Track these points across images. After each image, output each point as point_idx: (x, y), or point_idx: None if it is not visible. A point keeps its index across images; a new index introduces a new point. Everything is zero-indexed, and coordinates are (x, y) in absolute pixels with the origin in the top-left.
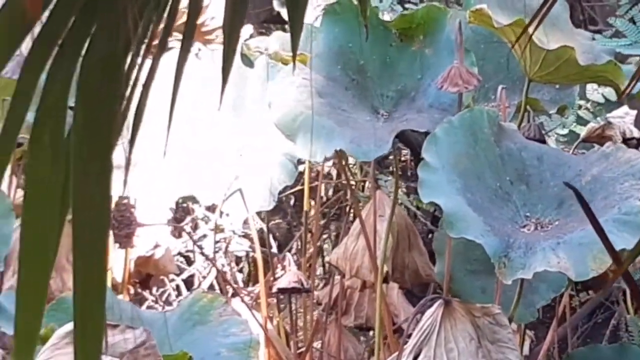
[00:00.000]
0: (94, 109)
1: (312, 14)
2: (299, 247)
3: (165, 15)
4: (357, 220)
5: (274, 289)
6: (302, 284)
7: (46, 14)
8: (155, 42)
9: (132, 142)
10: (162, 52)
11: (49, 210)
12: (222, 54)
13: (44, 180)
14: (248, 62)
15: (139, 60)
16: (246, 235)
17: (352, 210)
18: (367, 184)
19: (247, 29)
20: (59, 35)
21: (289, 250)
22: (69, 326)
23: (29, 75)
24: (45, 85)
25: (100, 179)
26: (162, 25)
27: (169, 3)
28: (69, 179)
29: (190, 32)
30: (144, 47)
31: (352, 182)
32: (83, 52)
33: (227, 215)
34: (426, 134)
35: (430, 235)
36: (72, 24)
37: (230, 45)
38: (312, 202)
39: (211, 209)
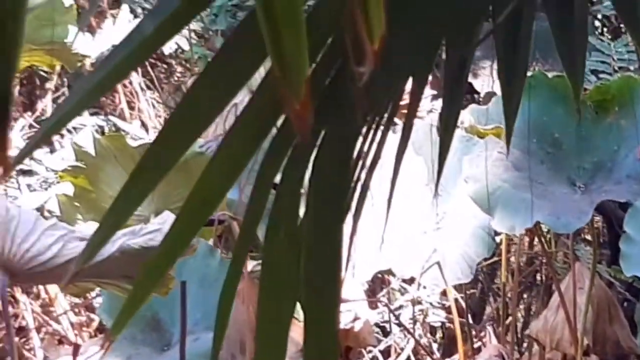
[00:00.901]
0: (325, 201)
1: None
2: (493, 316)
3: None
4: (556, 293)
5: None
6: (503, 358)
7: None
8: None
9: (356, 217)
10: (386, 135)
11: (284, 294)
12: (439, 142)
13: (279, 266)
14: None
15: (366, 145)
16: (442, 306)
17: (548, 281)
18: (559, 253)
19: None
20: (293, 139)
21: (483, 320)
22: None
23: (268, 170)
24: (282, 180)
25: (331, 263)
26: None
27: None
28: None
29: (413, 113)
30: (370, 133)
31: (549, 252)
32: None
33: (424, 287)
34: (622, 203)
35: (625, 304)
36: None
37: (446, 134)
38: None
39: (407, 280)
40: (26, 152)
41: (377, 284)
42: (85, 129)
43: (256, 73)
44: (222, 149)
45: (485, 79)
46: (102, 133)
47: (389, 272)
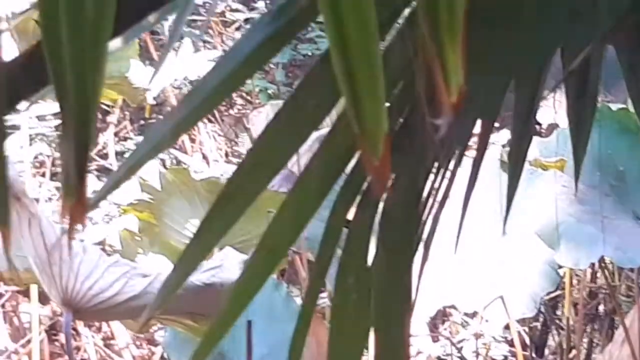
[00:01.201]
0: (394, 243)
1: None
2: (556, 350)
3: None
4: (621, 327)
5: None
6: None
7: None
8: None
9: (424, 256)
10: (454, 176)
11: (354, 336)
12: (507, 179)
13: (349, 308)
14: (507, 168)
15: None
16: (505, 339)
17: (612, 315)
18: (622, 286)
19: (503, 134)
20: (363, 183)
21: (546, 354)
22: None
23: (335, 220)
24: (352, 222)
25: (400, 304)
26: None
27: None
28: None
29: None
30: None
31: (613, 285)
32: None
33: (487, 320)
34: None
35: None
36: None
37: (515, 171)
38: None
39: (469, 314)
40: (101, 196)
41: (439, 317)
42: (149, 163)
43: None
44: (295, 192)
45: (547, 109)
46: (164, 166)
47: (452, 306)
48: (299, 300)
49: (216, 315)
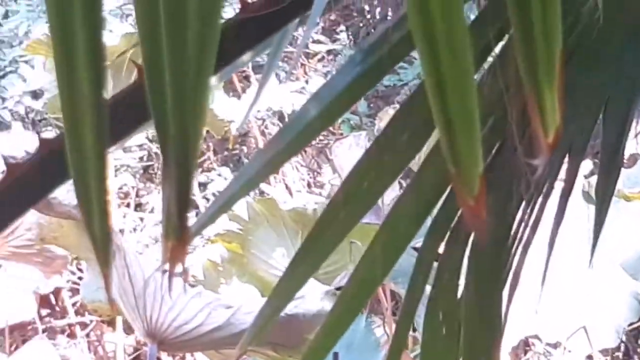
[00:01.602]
0: (484, 278)
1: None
2: None
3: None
4: None
5: None
6: None
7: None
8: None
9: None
10: (543, 210)
11: None
12: (594, 212)
13: (438, 343)
14: (590, 199)
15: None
16: None
17: None
18: None
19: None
20: (454, 218)
21: None
22: None
23: (426, 254)
24: (442, 257)
25: (490, 338)
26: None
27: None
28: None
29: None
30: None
31: None
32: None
33: (569, 351)
34: None
35: None
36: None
37: (603, 205)
38: None
39: (552, 344)
40: (194, 233)
41: (521, 347)
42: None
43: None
44: (387, 227)
45: (629, 140)
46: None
47: (535, 336)
48: (379, 331)
49: (308, 348)
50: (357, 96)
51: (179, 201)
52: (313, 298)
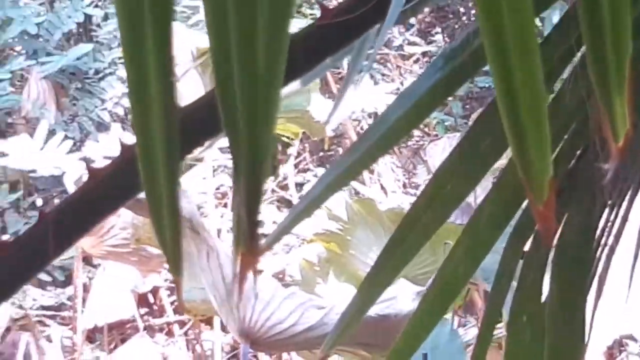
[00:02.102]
0: (568, 281)
1: None
2: None
3: None
4: None
5: None
6: None
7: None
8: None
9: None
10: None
11: None
12: None
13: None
14: None
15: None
16: None
17: None
18: None
19: None
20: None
21: None
22: None
23: (510, 254)
24: (525, 262)
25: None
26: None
27: None
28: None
29: None
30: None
31: None
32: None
33: None
34: None
35: None
36: None
37: None
38: None
39: None
40: (277, 236)
41: (616, 347)
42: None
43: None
44: (470, 227)
45: None
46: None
47: (630, 336)
48: (474, 331)
49: (393, 348)
50: (440, 99)
51: (249, 210)
52: (405, 298)
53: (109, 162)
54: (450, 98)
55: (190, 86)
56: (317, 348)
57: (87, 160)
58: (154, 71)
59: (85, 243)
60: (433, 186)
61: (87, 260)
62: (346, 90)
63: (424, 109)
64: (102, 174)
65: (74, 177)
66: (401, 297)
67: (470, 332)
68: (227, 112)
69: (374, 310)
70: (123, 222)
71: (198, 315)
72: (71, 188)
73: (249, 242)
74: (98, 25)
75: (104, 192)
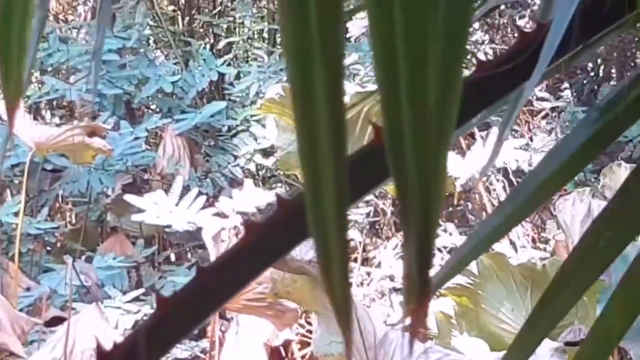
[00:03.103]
0: None
1: None
2: None
3: None
4: None
5: None
6: None
7: None
8: None
9: None
10: None
11: None
12: None
13: None
14: None
15: None
16: None
17: None
18: None
19: None
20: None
21: None
22: None
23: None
24: None
25: None
26: None
27: None
28: None
29: None
30: None
31: None
32: None
33: None
34: None
35: None
36: None
37: None
38: None
39: None
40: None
41: None
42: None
43: None
44: (625, 285)
45: None
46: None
47: None
48: None
49: None
50: (593, 155)
51: (420, 261)
52: (543, 354)
53: (262, 217)
54: None
55: None
56: None
57: (221, 215)
58: (325, 120)
59: None
60: (586, 242)
61: (220, 313)
62: (500, 145)
63: (577, 163)
64: (259, 229)
65: (211, 232)
66: (540, 353)
67: None
68: (396, 160)
69: None
70: (261, 276)
71: None
72: (209, 243)
73: (421, 297)
74: (231, 84)
75: (263, 246)
